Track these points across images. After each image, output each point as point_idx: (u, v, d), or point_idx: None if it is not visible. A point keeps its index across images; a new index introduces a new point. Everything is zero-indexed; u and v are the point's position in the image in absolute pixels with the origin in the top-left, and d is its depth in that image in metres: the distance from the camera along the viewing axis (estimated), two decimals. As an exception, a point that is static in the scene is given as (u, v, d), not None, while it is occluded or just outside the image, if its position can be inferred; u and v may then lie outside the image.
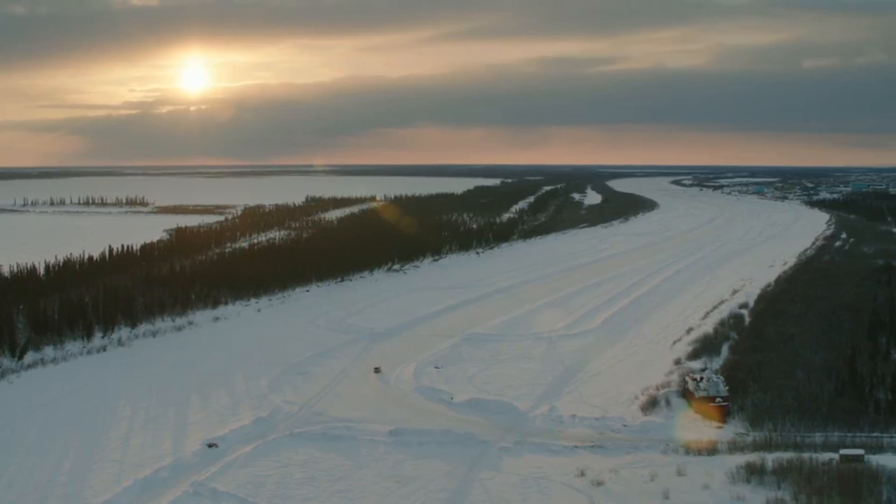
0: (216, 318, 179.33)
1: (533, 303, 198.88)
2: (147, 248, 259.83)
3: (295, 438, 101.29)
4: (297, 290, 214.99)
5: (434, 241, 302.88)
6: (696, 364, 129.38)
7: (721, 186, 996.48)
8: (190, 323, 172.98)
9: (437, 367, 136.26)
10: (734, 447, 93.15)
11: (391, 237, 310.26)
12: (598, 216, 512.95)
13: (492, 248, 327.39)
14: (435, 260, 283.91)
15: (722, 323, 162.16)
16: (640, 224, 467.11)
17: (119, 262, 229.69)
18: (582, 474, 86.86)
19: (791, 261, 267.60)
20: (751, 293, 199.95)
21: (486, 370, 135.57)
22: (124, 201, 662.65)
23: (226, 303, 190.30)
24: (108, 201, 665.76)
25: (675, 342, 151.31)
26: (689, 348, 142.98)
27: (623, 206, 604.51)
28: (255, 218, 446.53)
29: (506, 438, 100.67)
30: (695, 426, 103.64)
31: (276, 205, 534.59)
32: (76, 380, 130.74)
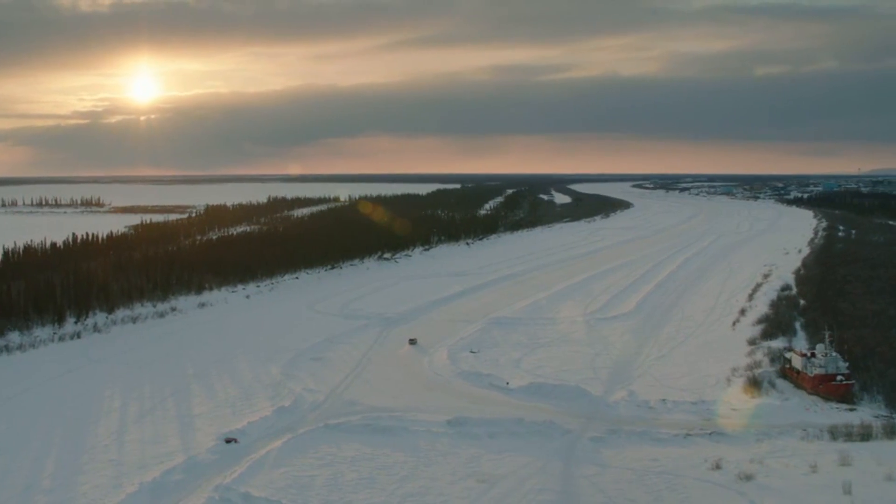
0: (202, 305, 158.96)
1: (548, 289, 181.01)
2: (114, 238, 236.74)
3: (332, 431, 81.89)
4: (286, 276, 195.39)
5: (424, 233, 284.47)
6: (777, 343, 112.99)
7: (687, 189, 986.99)
8: (173, 309, 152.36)
9: (473, 352, 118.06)
10: (892, 431, 75.21)
11: (376, 229, 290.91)
12: (577, 213, 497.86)
13: (481, 239, 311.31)
14: (426, 250, 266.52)
15: (774, 304, 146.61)
16: (622, 220, 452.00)
17: (86, 250, 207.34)
18: (717, 467, 68.76)
19: (804, 248, 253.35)
20: (784, 276, 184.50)
21: (530, 354, 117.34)
22: (79, 202, 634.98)
23: (210, 288, 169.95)
24: (63, 202, 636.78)
25: (734, 322, 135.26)
26: (757, 328, 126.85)
27: (597, 205, 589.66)
28: (221, 214, 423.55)
29: (592, 427, 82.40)
30: (819, 408, 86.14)
31: (240, 204, 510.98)
32: (50, 368, 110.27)
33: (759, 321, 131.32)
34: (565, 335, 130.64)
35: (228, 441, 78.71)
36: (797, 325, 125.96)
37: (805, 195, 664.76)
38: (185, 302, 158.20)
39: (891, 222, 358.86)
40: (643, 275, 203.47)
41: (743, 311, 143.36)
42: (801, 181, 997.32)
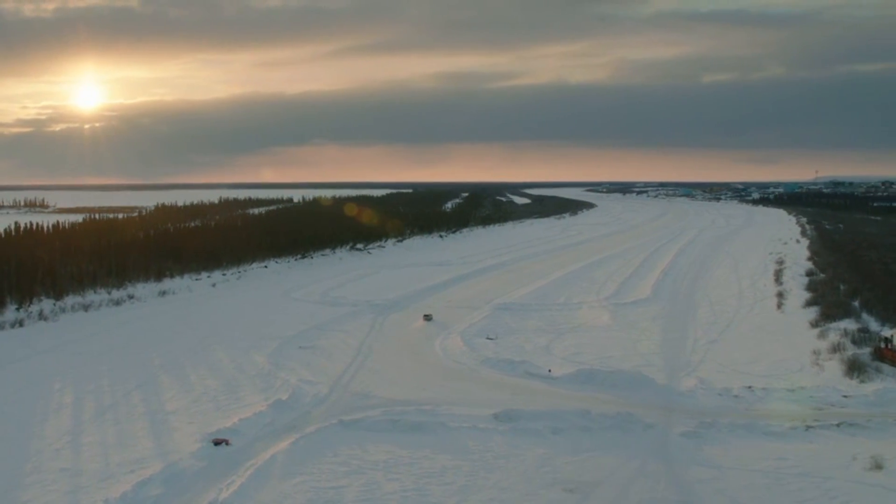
0: (163, 293, 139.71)
1: (546, 277, 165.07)
2: (62, 229, 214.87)
3: (349, 429, 64.05)
4: (254, 265, 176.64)
5: (396, 225, 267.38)
6: (846, 324, 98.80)
7: (644, 191, 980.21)
8: (130, 297, 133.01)
9: (490, 338, 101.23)
10: None
11: (346, 221, 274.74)
12: (543, 211, 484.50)
13: (453, 232, 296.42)
14: (399, 241, 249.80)
15: (811, 287, 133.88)
16: (592, 217, 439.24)
17: (30, 238, 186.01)
18: (878, 466, 52.91)
19: (801, 239, 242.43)
20: (800, 263, 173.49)
21: (558, 340, 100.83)
22: (23, 203, 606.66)
23: (171, 276, 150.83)
24: (5, 203, 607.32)
25: (779, 306, 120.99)
26: (810, 311, 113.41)
27: (560, 205, 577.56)
28: (174, 212, 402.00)
29: (676, 420, 65.86)
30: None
31: (191, 203, 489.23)
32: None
33: (808, 304, 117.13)
34: (589, 321, 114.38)
35: (217, 443, 60.61)
36: (854, 303, 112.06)
37: (770, 196, 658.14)
38: (144, 289, 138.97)
39: (873, 217, 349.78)
40: (641, 264, 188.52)
41: (781, 295, 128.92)
42: (761, 186, 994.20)
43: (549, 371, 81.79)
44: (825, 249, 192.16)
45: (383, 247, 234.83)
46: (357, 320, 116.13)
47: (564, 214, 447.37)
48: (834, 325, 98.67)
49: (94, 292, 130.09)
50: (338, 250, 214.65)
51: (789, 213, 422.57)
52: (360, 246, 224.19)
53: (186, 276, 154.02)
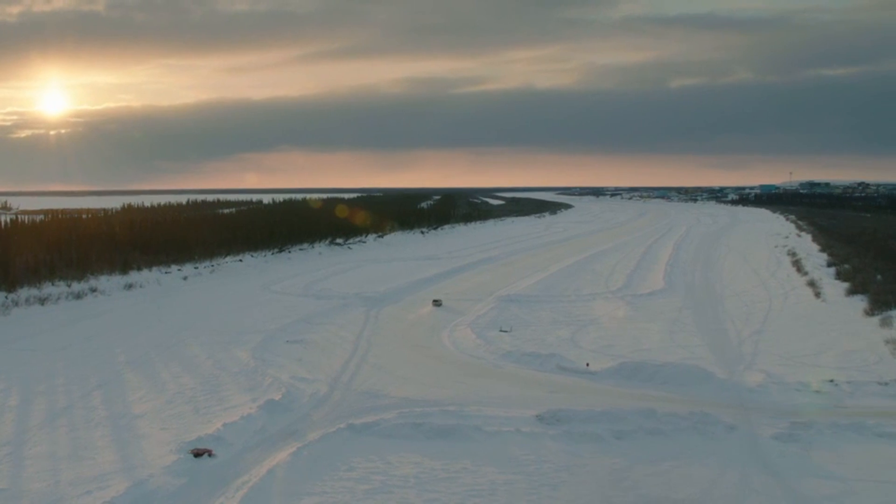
0: (129, 286, 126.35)
1: (544, 270, 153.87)
2: (21, 224, 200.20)
3: (361, 435, 51.78)
4: (228, 259, 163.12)
5: (376, 221, 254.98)
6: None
7: (617, 194, 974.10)
8: (93, 290, 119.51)
9: (504, 330, 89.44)
10: None
11: (325, 216, 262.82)
12: (521, 210, 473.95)
13: (435, 229, 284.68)
14: (379, 237, 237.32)
15: (842, 276, 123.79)
16: (572, 216, 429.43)
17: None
18: None
19: (802, 234, 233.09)
20: (814, 255, 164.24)
21: (581, 332, 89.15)
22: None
23: (139, 268, 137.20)
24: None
25: (816, 295, 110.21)
26: (855, 300, 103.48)
27: (537, 206, 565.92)
28: (141, 212, 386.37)
29: (760, 420, 54.51)
30: None
31: (159, 204, 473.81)
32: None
33: (849, 292, 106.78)
34: (608, 312, 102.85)
35: (198, 454, 48.05)
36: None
37: (750, 196, 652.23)
38: (108, 282, 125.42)
39: (864, 214, 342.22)
40: (641, 258, 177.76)
41: (813, 284, 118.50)
42: (734, 190, 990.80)
43: (587, 365, 69.89)
44: (835, 241, 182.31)
45: (364, 242, 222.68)
46: (348, 313, 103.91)
47: (544, 214, 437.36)
48: (894, 312, 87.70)
49: (52, 284, 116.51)
50: (316, 245, 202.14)
51: (774, 212, 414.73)
52: (339, 241, 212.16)
53: (155, 269, 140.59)
